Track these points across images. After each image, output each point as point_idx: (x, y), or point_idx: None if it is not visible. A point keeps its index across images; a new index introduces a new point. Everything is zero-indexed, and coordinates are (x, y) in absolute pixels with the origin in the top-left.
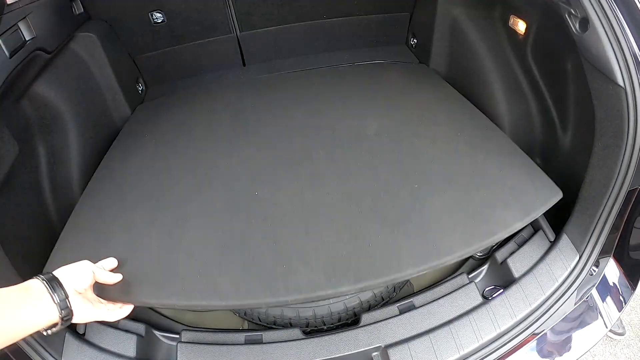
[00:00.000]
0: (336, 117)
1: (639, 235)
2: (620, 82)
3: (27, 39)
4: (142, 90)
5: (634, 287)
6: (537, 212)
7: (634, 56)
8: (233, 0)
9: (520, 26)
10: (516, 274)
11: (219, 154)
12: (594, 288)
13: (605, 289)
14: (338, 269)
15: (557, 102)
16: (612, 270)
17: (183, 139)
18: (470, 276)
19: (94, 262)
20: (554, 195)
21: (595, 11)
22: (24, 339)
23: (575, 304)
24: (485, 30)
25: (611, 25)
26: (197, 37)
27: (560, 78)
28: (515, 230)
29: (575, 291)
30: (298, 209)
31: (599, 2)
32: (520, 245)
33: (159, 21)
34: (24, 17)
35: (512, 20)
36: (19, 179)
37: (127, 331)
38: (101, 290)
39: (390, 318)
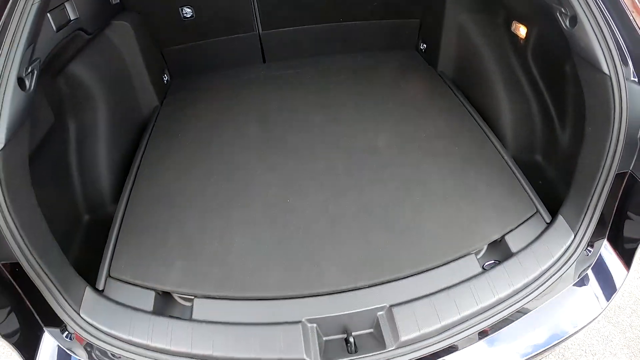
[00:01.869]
0: (352, 126)
1: (632, 219)
2: (606, 71)
3: (71, 18)
4: (167, 80)
5: (628, 268)
6: (512, 227)
7: (617, 48)
8: (258, 0)
9: (522, 31)
10: (514, 249)
11: (251, 160)
12: (590, 268)
13: (600, 269)
14: (357, 269)
15: (555, 102)
16: (606, 252)
17: (216, 143)
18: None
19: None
20: (528, 211)
21: (583, 9)
22: (46, 287)
23: (572, 282)
24: (489, 35)
25: (597, 21)
26: (223, 33)
27: (559, 79)
28: (491, 241)
29: (571, 268)
30: (324, 218)
31: (586, 1)
32: (517, 226)
33: (188, 16)
34: None
35: (514, 26)
36: (49, 150)
37: (146, 288)
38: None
39: (395, 281)
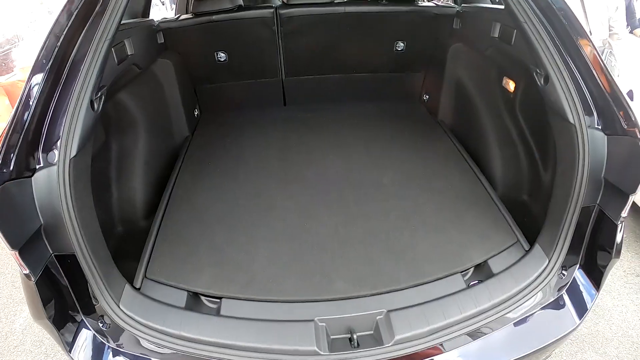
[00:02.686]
0: (361, 164)
1: (600, 246)
2: (571, 120)
3: (128, 53)
4: (197, 115)
5: (598, 290)
6: (494, 253)
7: (581, 101)
8: (284, 50)
9: (511, 86)
10: (495, 271)
11: (273, 189)
12: (564, 289)
13: (574, 290)
14: (361, 282)
15: (539, 148)
16: (579, 275)
17: (242, 172)
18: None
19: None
20: (510, 241)
21: (554, 70)
22: (94, 280)
23: (548, 301)
24: (483, 88)
25: (564, 79)
26: (250, 77)
27: (541, 128)
28: (476, 264)
29: (546, 288)
30: (335, 240)
31: (557, 64)
32: (499, 252)
33: (222, 60)
34: (128, 37)
35: (504, 81)
36: (97, 165)
37: (178, 288)
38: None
39: (392, 292)
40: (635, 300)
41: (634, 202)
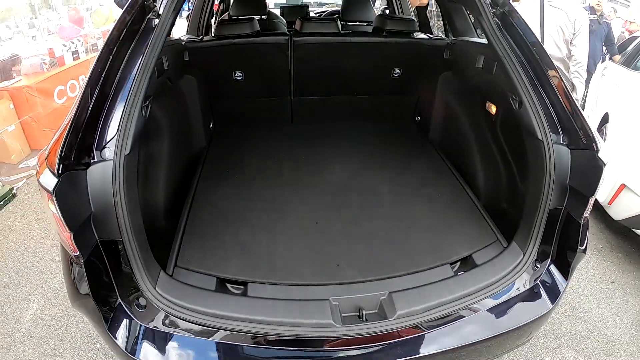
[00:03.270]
0: (362, 176)
1: (568, 242)
2: (540, 137)
3: (165, 68)
4: (212, 127)
5: (566, 279)
6: (477, 248)
7: (548, 123)
8: (294, 73)
9: (493, 109)
10: (478, 263)
11: (287, 195)
12: (538, 280)
13: (546, 280)
14: (366, 269)
15: (515, 161)
16: (552, 268)
17: (258, 180)
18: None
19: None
20: (490, 239)
21: (526, 96)
22: (136, 264)
23: (523, 289)
24: (469, 111)
25: (535, 104)
26: (262, 95)
27: (517, 144)
28: (461, 258)
29: (521, 277)
30: (343, 236)
31: (529, 91)
32: (481, 248)
33: (239, 79)
34: (165, 54)
35: (487, 105)
36: None
37: (208, 275)
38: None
39: (392, 277)
40: (610, 303)
41: (608, 216)
